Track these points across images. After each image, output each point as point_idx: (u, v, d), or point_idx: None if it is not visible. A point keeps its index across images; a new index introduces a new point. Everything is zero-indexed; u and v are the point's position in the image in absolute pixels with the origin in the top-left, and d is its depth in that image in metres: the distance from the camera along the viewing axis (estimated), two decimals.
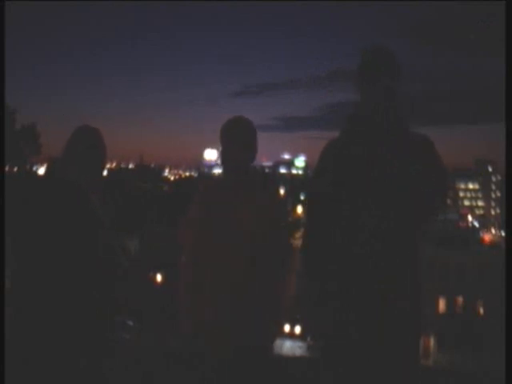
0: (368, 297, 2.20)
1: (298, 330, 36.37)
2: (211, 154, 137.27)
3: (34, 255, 2.44)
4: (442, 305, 37.15)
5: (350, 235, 2.23)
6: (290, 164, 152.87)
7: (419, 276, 2.27)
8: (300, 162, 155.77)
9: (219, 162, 2.76)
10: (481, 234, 61.64)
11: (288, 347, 32.62)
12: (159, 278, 37.85)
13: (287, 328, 36.57)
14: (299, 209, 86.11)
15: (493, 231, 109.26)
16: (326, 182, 2.32)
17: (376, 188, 2.21)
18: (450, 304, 37.14)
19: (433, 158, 2.28)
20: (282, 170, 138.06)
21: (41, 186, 2.61)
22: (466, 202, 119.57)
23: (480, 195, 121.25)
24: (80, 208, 2.48)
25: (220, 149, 2.68)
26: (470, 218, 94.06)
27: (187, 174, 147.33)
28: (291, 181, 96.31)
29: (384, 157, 2.22)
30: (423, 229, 2.33)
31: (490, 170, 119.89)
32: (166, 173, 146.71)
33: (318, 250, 2.33)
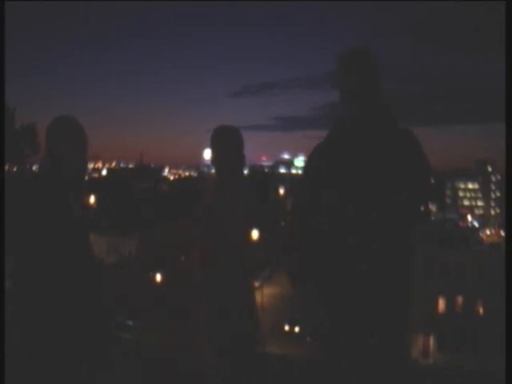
0: (357, 296, 2.21)
1: (297, 329, 36.37)
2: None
3: (28, 254, 2.43)
4: (441, 305, 37.13)
5: (339, 235, 2.24)
6: (289, 164, 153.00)
7: (410, 274, 2.28)
8: (299, 161, 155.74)
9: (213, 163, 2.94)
10: (480, 234, 61.62)
11: (287, 347, 32.59)
12: (159, 277, 37.83)
13: (287, 328, 36.57)
14: None
15: (492, 231, 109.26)
16: (313, 185, 2.35)
17: (363, 188, 2.22)
18: (450, 304, 37.12)
19: (416, 155, 2.30)
20: (282, 170, 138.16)
21: (32, 185, 2.57)
22: (466, 202, 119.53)
23: (480, 195, 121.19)
24: (59, 207, 2.45)
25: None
26: (469, 217, 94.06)
27: (187, 173, 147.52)
28: (291, 181, 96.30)
29: (369, 156, 2.23)
30: (415, 228, 2.33)
31: (490, 169, 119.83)
32: (166, 172, 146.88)
33: (306, 252, 2.35)
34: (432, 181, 2.36)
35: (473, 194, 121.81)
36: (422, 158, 2.31)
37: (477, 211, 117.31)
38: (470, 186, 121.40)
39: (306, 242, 2.38)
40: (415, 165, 2.27)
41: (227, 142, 2.83)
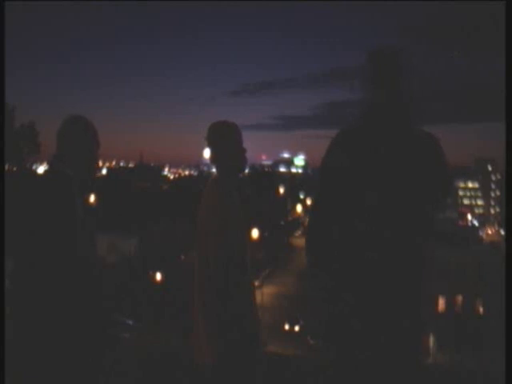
0: (370, 298, 2.19)
1: (297, 329, 36.37)
2: None
3: (26, 254, 2.42)
4: (441, 304, 37.13)
5: (356, 234, 2.21)
6: (289, 163, 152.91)
7: (420, 279, 2.26)
8: (299, 160, 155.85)
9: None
10: (480, 233, 61.61)
11: (287, 347, 32.60)
12: (159, 276, 37.80)
13: (287, 327, 36.56)
14: (299, 208, 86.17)
15: (492, 230, 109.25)
16: (335, 177, 2.29)
17: (382, 187, 2.20)
18: (450, 303, 37.11)
19: (436, 157, 2.28)
20: (282, 169, 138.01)
21: (35, 185, 2.56)
22: (466, 201, 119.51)
23: (479, 194, 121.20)
24: (65, 208, 2.43)
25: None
26: (469, 216, 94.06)
27: (186, 172, 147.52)
28: (291, 180, 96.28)
29: (390, 156, 2.21)
30: (429, 229, 2.32)
31: (490, 168, 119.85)
32: (166, 171, 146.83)
33: (322, 248, 2.32)
34: (449, 184, 2.36)
35: (473, 193, 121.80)
36: (441, 161, 2.29)
37: (477, 210, 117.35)
38: (470, 184, 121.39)
39: (314, 237, 2.33)
40: (433, 168, 2.25)
41: (225, 138, 2.74)
